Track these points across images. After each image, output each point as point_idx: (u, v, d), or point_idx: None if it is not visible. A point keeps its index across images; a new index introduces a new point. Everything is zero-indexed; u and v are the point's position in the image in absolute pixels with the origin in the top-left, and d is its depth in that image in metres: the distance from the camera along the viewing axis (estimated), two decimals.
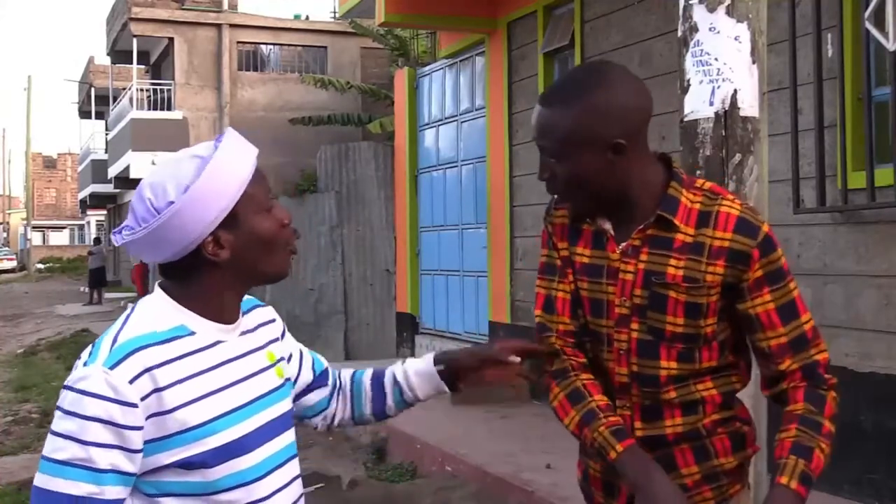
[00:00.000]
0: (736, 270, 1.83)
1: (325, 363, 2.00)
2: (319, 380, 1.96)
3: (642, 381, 1.90)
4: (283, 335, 1.84)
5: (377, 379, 1.99)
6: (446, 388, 1.96)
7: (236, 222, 1.58)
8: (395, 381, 1.97)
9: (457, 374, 1.96)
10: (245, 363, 1.67)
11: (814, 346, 1.88)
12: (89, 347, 1.59)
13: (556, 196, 1.95)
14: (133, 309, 1.64)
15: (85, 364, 1.53)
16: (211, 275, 1.61)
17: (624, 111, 1.81)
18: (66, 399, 1.51)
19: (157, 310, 1.61)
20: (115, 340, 1.55)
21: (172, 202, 1.53)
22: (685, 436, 1.91)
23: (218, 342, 1.63)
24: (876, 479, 4.83)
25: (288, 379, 1.79)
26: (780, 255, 1.86)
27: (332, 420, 1.99)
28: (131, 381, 1.50)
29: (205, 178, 1.54)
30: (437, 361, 1.96)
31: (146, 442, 1.52)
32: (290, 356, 1.87)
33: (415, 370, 1.97)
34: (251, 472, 1.61)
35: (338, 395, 1.99)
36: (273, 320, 1.82)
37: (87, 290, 26.43)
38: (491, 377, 1.96)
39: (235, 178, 1.57)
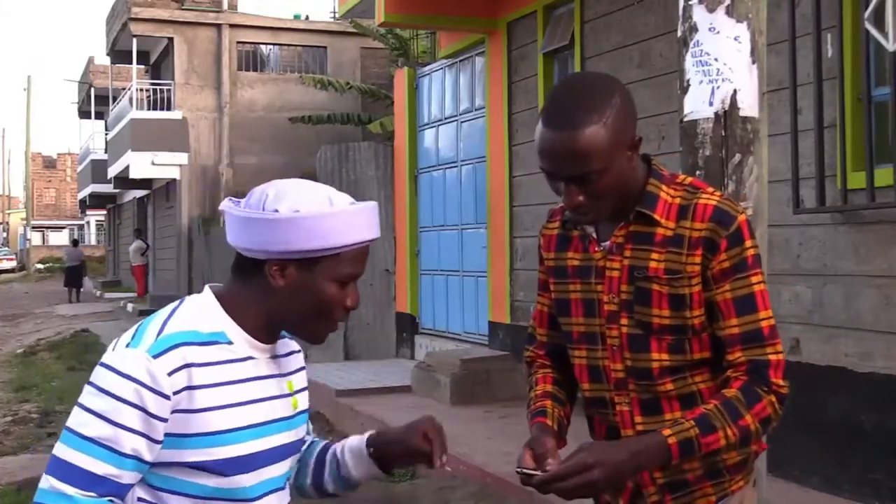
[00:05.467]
0: (706, 259, 1.86)
1: (310, 426, 1.92)
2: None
3: (637, 375, 1.92)
4: (303, 367, 1.84)
5: (323, 451, 1.89)
6: (378, 470, 1.84)
7: (310, 270, 1.61)
8: (335, 456, 1.86)
9: (388, 458, 1.83)
10: (270, 385, 1.69)
11: (769, 344, 1.85)
12: (132, 330, 1.60)
13: (583, 214, 1.90)
14: (181, 303, 1.66)
15: (127, 346, 1.55)
16: (260, 288, 1.63)
17: (632, 108, 1.87)
18: (103, 377, 1.53)
19: (203, 310, 1.64)
20: (161, 330, 1.57)
21: (276, 211, 1.58)
22: None
23: (250, 357, 1.65)
24: (876, 479, 4.83)
25: (304, 410, 1.78)
26: (749, 246, 1.86)
27: None
28: (170, 374, 1.53)
29: (313, 219, 1.57)
30: (370, 443, 1.83)
31: (166, 435, 1.54)
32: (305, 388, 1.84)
33: (349, 447, 1.85)
34: (253, 490, 1.63)
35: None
36: (299, 351, 1.83)
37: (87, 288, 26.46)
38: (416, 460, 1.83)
39: (335, 238, 1.59)
